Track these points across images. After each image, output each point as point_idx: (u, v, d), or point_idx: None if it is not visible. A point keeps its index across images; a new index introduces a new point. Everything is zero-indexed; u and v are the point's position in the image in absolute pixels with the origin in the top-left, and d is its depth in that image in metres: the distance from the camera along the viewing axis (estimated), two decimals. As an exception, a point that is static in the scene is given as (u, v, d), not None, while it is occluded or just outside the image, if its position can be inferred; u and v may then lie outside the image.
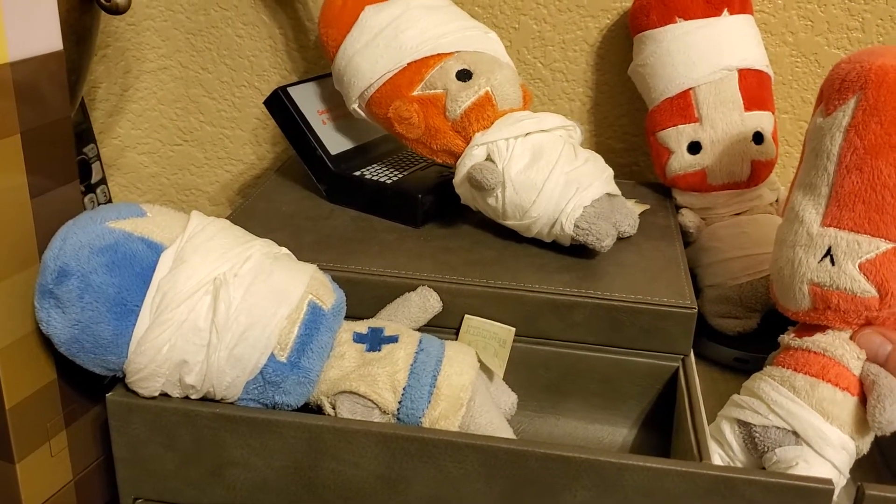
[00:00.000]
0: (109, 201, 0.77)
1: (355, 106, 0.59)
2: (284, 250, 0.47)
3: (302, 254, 0.53)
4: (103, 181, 0.76)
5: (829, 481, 0.39)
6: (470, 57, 0.56)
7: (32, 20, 0.41)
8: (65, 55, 0.45)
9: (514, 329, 0.51)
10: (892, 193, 0.43)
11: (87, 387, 0.48)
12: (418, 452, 0.41)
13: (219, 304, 0.42)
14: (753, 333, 0.59)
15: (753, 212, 0.63)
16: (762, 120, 0.62)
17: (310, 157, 0.61)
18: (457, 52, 0.55)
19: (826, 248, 0.45)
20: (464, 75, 0.55)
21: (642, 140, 0.73)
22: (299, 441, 0.42)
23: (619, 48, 0.71)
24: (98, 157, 0.75)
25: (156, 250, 0.43)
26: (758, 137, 0.61)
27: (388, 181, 0.59)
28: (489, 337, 0.51)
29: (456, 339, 0.51)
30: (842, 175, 0.44)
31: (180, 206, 0.86)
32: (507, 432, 0.45)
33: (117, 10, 0.52)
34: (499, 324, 0.51)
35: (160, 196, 0.86)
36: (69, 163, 0.46)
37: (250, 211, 0.60)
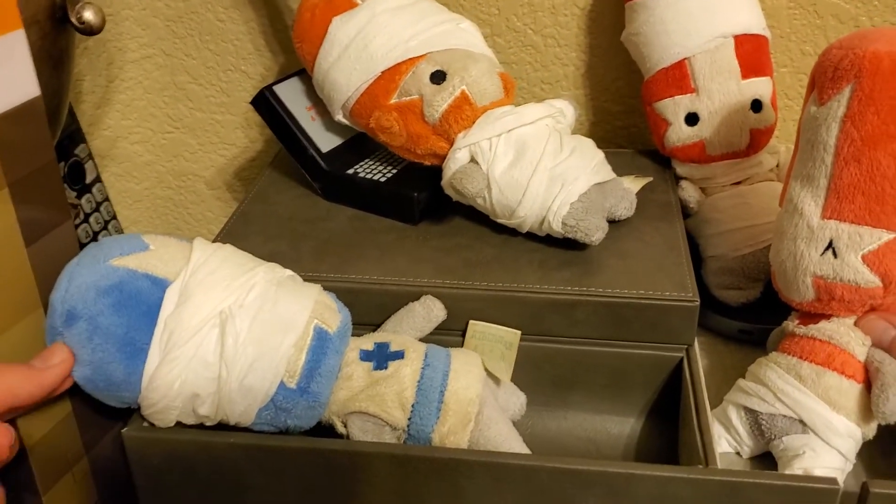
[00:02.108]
0: (106, 199, 0.77)
1: (339, 116, 0.58)
2: (288, 273, 0.47)
3: (303, 263, 0.53)
4: (98, 179, 0.75)
5: (833, 480, 0.40)
6: (441, 56, 0.54)
7: (6, 73, 0.40)
8: (44, 85, 0.43)
9: (519, 332, 0.51)
10: (892, 184, 0.42)
11: (104, 411, 0.48)
12: (431, 471, 0.42)
13: (226, 338, 0.42)
14: (757, 303, 0.59)
15: (754, 179, 0.62)
16: (760, 87, 0.60)
17: (302, 157, 0.60)
18: (428, 53, 0.54)
19: (828, 240, 0.44)
20: (437, 77, 0.53)
21: (639, 102, 0.71)
22: (314, 466, 0.44)
23: (610, 10, 0.68)
24: (90, 156, 0.74)
25: (160, 286, 0.43)
26: (756, 105, 0.60)
27: (383, 179, 0.59)
28: (495, 341, 0.51)
29: (462, 344, 0.52)
30: (840, 167, 0.43)
31: (178, 192, 0.85)
32: (516, 442, 0.46)
33: (91, 31, 0.51)
34: (504, 328, 0.51)
35: (158, 183, 0.85)
36: (60, 204, 0.45)
37: (247, 216, 0.60)
